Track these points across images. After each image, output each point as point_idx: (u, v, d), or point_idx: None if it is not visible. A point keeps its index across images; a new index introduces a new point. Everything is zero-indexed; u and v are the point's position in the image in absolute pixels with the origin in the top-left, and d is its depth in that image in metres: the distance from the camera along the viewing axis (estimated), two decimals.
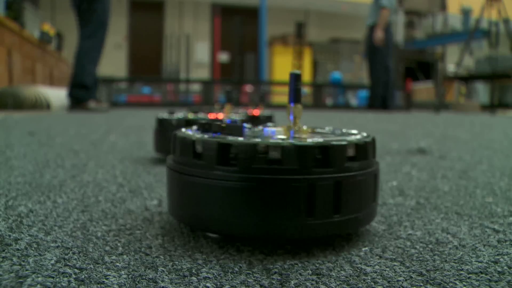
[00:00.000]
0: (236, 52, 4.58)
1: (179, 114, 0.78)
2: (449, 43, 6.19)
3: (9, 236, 0.34)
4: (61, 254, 0.30)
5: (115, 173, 0.64)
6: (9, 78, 3.56)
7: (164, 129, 0.73)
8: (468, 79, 6.26)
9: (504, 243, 0.35)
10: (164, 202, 0.46)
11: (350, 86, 6.54)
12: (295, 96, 0.38)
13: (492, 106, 4.66)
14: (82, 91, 2.75)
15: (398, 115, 3.33)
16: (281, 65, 8.25)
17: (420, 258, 0.31)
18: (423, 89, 5.83)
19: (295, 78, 0.37)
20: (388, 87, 4.20)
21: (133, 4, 8.27)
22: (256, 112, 0.90)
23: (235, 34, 4.59)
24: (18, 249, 0.31)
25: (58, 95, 3.33)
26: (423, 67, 6.02)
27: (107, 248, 0.32)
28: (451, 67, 5.99)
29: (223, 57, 7.98)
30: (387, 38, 4.01)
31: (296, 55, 4.78)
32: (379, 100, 4.19)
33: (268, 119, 0.89)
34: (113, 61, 8.17)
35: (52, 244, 0.32)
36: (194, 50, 8.53)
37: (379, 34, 3.96)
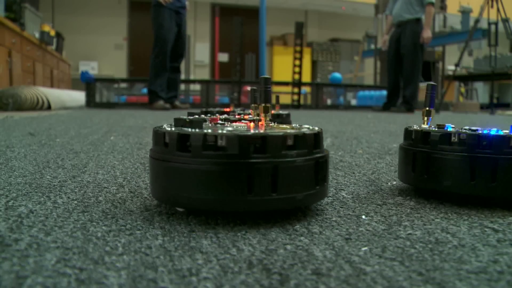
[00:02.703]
0: (236, 52, 4.57)
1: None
2: (449, 43, 6.19)
3: (9, 236, 0.34)
4: (61, 254, 0.31)
5: (115, 173, 0.64)
6: (10, 79, 3.56)
7: None
8: (467, 78, 6.26)
9: (503, 243, 0.35)
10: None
11: (350, 86, 6.54)
12: (265, 96, 0.46)
13: (492, 106, 4.66)
14: (149, 95, 3.42)
15: (398, 115, 3.33)
16: (281, 65, 8.26)
17: (420, 258, 0.31)
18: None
19: (265, 81, 0.45)
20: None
21: (133, 4, 8.27)
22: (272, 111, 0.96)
23: (235, 34, 4.59)
24: (18, 250, 0.31)
25: (58, 96, 3.33)
26: (422, 67, 6.01)
27: (107, 248, 0.32)
28: (450, 67, 5.99)
29: (223, 57, 7.98)
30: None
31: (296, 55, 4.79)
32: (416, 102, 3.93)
33: (288, 117, 0.99)
34: (114, 62, 8.18)
35: (52, 245, 0.32)
36: (194, 50, 8.53)
37: (429, 33, 3.72)
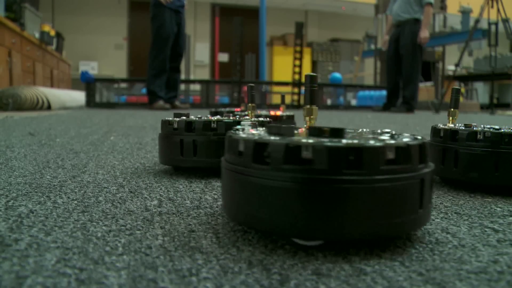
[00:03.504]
0: (236, 52, 4.58)
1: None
2: (449, 43, 6.19)
3: (9, 236, 0.34)
4: (61, 254, 0.31)
5: (115, 173, 0.64)
6: (10, 79, 3.56)
7: None
8: (467, 79, 6.26)
9: (503, 243, 0.35)
10: (164, 202, 0.46)
11: (350, 86, 6.54)
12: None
13: (492, 106, 4.66)
14: (149, 95, 3.42)
15: (398, 115, 3.33)
16: (281, 65, 8.26)
17: (420, 258, 0.31)
18: (423, 89, 5.83)
19: (251, 88, 0.51)
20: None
21: (133, 4, 8.27)
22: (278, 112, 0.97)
23: (235, 34, 4.59)
24: (18, 250, 0.31)
25: (58, 96, 3.33)
26: (422, 67, 6.01)
27: (107, 248, 0.32)
28: (450, 67, 5.99)
29: (223, 57, 7.98)
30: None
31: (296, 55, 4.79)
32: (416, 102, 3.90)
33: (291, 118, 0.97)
34: (114, 62, 8.18)
35: (52, 245, 0.32)
36: (194, 51, 8.53)
37: (426, 33, 3.70)
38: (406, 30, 3.78)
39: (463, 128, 0.55)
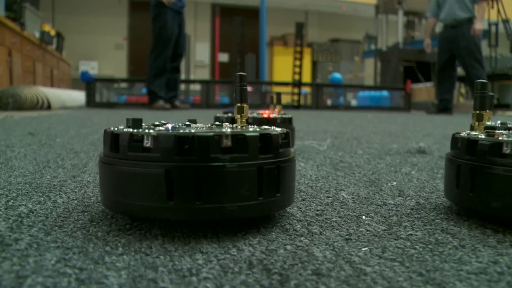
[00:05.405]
0: (236, 52, 4.58)
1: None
2: None
3: (10, 236, 0.34)
4: (61, 254, 0.31)
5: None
6: (10, 79, 3.56)
7: None
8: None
9: (503, 244, 0.35)
10: None
11: (350, 86, 6.54)
12: (240, 95, 0.42)
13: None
14: (149, 95, 3.43)
15: (398, 115, 3.33)
16: (281, 65, 8.26)
17: (420, 258, 0.31)
18: (423, 89, 5.83)
19: (241, 78, 0.41)
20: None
21: (133, 4, 8.27)
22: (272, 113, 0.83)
23: (235, 34, 4.59)
24: (18, 249, 0.31)
25: (58, 95, 3.33)
26: (423, 67, 6.02)
27: (107, 248, 0.32)
28: None
29: (223, 57, 7.98)
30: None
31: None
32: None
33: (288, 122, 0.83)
34: (114, 62, 8.18)
35: (52, 244, 0.32)
36: (194, 51, 8.53)
37: (481, 26, 3.59)
38: (465, 31, 3.65)
39: (487, 136, 0.41)
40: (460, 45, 3.71)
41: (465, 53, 3.69)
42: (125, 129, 0.37)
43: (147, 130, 0.35)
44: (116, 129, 0.37)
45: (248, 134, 0.35)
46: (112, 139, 0.37)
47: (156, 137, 0.34)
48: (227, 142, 0.34)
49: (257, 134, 0.36)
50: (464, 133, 0.44)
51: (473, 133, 0.44)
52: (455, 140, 0.43)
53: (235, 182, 0.34)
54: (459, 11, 3.67)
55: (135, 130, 0.36)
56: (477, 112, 0.45)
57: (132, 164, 0.35)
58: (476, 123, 0.46)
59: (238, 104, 0.41)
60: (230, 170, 0.34)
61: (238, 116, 0.41)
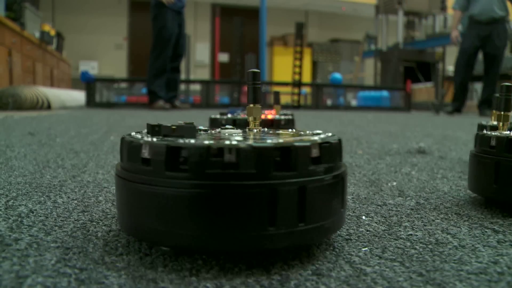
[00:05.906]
0: (236, 52, 4.58)
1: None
2: (449, 43, 6.19)
3: (10, 236, 0.34)
4: (61, 254, 0.31)
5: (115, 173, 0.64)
6: (10, 79, 3.56)
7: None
8: None
9: (503, 244, 0.35)
10: None
11: (350, 86, 6.54)
12: (253, 95, 0.37)
13: (492, 107, 4.65)
14: (149, 95, 3.42)
15: (398, 115, 3.33)
16: (281, 65, 8.26)
17: (420, 259, 0.31)
18: (423, 89, 5.84)
19: (254, 76, 0.36)
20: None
21: (133, 4, 8.27)
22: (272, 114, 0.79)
23: (235, 34, 4.60)
24: (18, 249, 0.31)
25: (58, 95, 3.33)
26: (423, 67, 6.02)
27: (107, 248, 0.32)
28: (451, 68, 5.99)
29: (223, 57, 7.98)
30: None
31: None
32: None
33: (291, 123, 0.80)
34: (114, 62, 8.17)
35: (52, 244, 0.32)
36: (194, 51, 8.53)
37: None
38: (501, 30, 3.55)
39: None
40: (495, 44, 3.58)
41: (498, 52, 3.59)
42: (181, 140, 0.29)
43: (226, 142, 0.28)
44: (174, 140, 0.29)
45: (332, 141, 0.31)
46: (172, 155, 0.28)
47: (244, 150, 0.27)
48: (316, 152, 0.30)
49: (336, 140, 0.32)
50: (491, 132, 0.47)
51: (505, 132, 0.48)
52: (486, 139, 0.46)
53: (332, 196, 0.30)
54: (498, 8, 3.53)
55: (208, 142, 0.27)
56: (502, 113, 0.49)
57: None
58: (500, 123, 0.49)
59: (251, 105, 0.37)
60: (329, 183, 0.30)
61: (251, 119, 0.37)
